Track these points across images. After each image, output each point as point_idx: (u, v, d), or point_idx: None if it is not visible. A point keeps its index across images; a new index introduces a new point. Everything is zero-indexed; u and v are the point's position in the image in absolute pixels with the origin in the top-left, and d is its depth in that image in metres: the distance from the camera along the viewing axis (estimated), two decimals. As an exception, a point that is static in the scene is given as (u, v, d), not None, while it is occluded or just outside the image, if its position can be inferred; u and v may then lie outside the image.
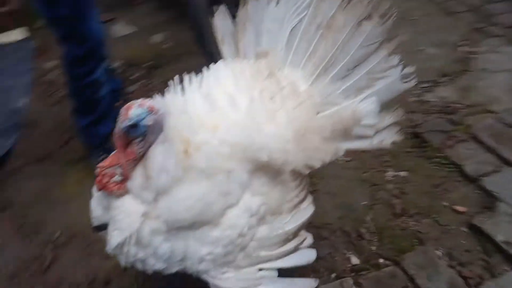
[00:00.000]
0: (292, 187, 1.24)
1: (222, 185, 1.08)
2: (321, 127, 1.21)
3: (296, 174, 1.24)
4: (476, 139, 2.00)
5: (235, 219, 1.12)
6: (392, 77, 1.27)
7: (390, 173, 1.95)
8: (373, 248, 1.66)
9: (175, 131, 1.06)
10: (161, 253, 1.10)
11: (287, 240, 1.22)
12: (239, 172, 1.10)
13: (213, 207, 1.09)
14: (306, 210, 1.28)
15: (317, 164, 1.21)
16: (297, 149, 1.16)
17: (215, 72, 1.22)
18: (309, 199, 1.31)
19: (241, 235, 1.13)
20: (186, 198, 1.06)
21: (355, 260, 1.63)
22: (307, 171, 1.23)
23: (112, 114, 2.04)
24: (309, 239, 1.29)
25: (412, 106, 2.29)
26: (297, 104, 1.20)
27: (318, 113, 1.24)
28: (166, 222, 1.07)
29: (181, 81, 1.17)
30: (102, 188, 1.10)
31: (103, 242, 1.15)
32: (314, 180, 1.93)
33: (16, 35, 3.27)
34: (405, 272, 1.55)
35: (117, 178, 1.09)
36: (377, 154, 2.03)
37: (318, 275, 1.58)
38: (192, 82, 1.18)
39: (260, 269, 1.20)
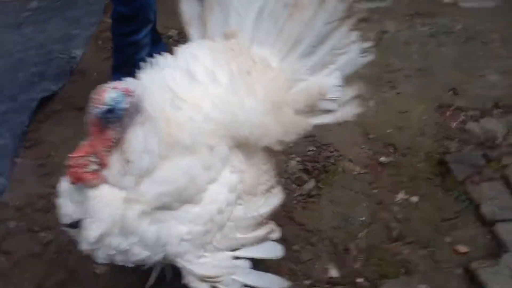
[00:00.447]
0: (264, 170, 1.30)
1: (205, 159, 1.12)
2: (294, 100, 1.28)
3: (266, 158, 1.30)
4: (505, 181, 1.85)
5: (215, 194, 1.16)
6: (353, 52, 1.35)
7: (400, 195, 1.87)
8: (356, 266, 1.63)
9: (156, 109, 1.08)
10: (148, 238, 1.09)
11: (260, 224, 1.27)
12: (221, 147, 1.15)
13: (197, 181, 1.12)
14: (277, 196, 1.33)
15: (291, 138, 1.29)
16: (275, 122, 1.22)
17: (190, 49, 1.26)
18: (279, 187, 1.35)
19: (220, 211, 1.17)
20: (170, 173, 1.09)
21: (334, 272, 1.62)
22: (279, 147, 1.29)
23: None
24: (277, 232, 1.31)
25: (451, 132, 2.15)
26: (271, 79, 1.24)
27: (290, 88, 1.29)
28: (151, 202, 1.07)
29: (156, 59, 1.20)
30: (77, 179, 1.05)
31: (74, 241, 1.15)
32: (320, 185, 1.92)
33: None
34: (380, 297, 1.51)
35: (92, 167, 1.05)
36: (395, 173, 1.96)
37: (294, 278, 1.58)
38: (167, 58, 1.21)
39: (236, 258, 1.22)
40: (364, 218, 1.78)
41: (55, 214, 1.39)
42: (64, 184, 1.11)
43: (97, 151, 1.04)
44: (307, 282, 1.58)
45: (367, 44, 1.37)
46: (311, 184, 1.93)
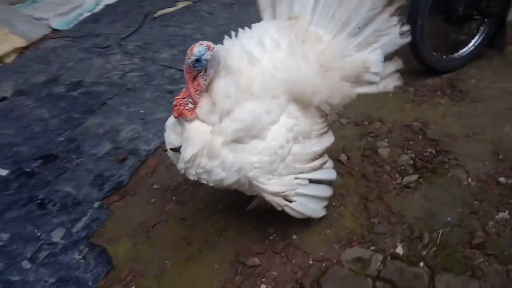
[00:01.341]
0: (318, 122, 1.62)
1: (267, 105, 1.49)
2: (340, 68, 1.57)
3: (321, 112, 1.60)
4: None
5: (276, 133, 1.51)
6: (393, 34, 1.63)
7: (502, 214, 1.81)
8: (424, 252, 1.71)
9: (236, 66, 1.46)
10: (227, 162, 1.45)
11: (314, 158, 1.65)
12: (280, 98, 1.51)
13: (261, 120, 1.47)
14: (329, 138, 1.71)
15: (336, 101, 1.60)
16: (322, 84, 1.54)
17: (261, 25, 1.60)
18: (330, 133, 1.73)
19: (281, 146, 1.52)
20: (242, 114, 1.45)
21: (400, 250, 1.74)
22: (327, 108, 1.59)
23: None
24: (330, 162, 1.74)
25: None
26: (322, 48, 1.57)
27: (337, 59, 1.58)
28: (228, 136, 1.44)
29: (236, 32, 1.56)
30: (179, 114, 1.44)
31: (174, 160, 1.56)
32: (421, 181, 2.02)
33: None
34: (432, 283, 1.59)
35: (189, 106, 1.44)
36: (506, 193, 1.90)
37: (361, 242, 1.80)
38: (244, 33, 1.56)
39: (296, 178, 1.62)
40: (450, 219, 1.81)
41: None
42: (169, 120, 1.56)
43: (192, 94, 1.43)
44: (372, 248, 1.77)
45: (405, 28, 1.64)
46: (412, 178, 2.04)
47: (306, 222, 1.85)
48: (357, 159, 2.21)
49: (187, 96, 1.45)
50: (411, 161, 2.14)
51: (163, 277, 1.77)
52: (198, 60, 1.38)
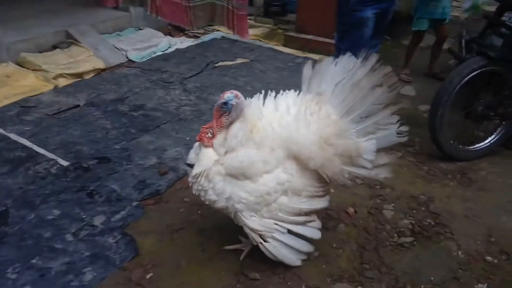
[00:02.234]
0: (314, 184, 1.83)
1: (265, 156, 1.72)
2: (336, 145, 1.75)
3: (321, 178, 1.83)
4: None
5: (267, 181, 1.74)
6: (390, 130, 1.80)
7: (481, 285, 2.03)
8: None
9: (250, 117, 1.74)
10: (217, 188, 1.73)
11: (299, 214, 1.85)
12: (278, 152, 1.73)
13: (255, 166, 1.71)
14: (321, 202, 1.90)
15: (328, 172, 1.78)
16: (318, 152, 1.74)
17: (287, 93, 1.87)
18: (326, 198, 1.93)
19: (268, 193, 1.74)
20: (241, 156, 1.70)
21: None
22: (324, 175, 1.80)
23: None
24: (318, 223, 1.94)
25: None
26: (327, 124, 1.77)
27: (338, 140, 1.76)
28: (226, 168, 1.72)
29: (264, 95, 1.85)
30: (200, 140, 1.77)
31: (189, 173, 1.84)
32: (415, 243, 2.27)
33: None
34: None
35: (209, 135, 1.76)
36: (490, 270, 2.11)
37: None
38: (271, 96, 1.85)
39: (276, 224, 1.83)
40: (433, 279, 2.04)
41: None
42: (196, 143, 1.86)
43: (213, 127, 1.76)
44: (359, 287, 2.01)
45: (404, 128, 1.82)
46: (408, 239, 2.30)
47: (308, 256, 2.12)
48: (363, 214, 2.50)
49: (210, 128, 1.78)
50: (410, 226, 2.40)
51: (177, 272, 2.07)
52: (225, 103, 1.69)
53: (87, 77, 4.17)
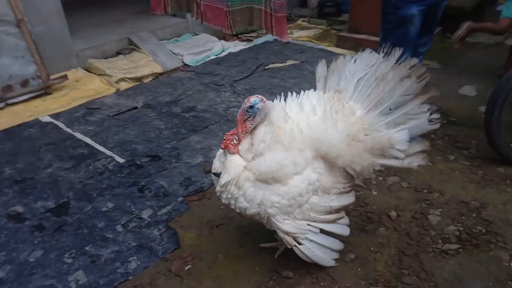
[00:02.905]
0: (341, 181, 1.84)
1: (294, 157, 1.70)
2: (364, 141, 1.75)
3: (347, 175, 1.83)
4: None
5: (299, 182, 1.73)
6: (422, 119, 1.78)
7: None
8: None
9: (275, 119, 1.70)
10: (248, 194, 1.70)
11: (330, 212, 1.86)
12: (307, 153, 1.72)
13: (285, 169, 1.69)
14: (349, 198, 1.91)
15: (357, 168, 1.76)
16: (346, 150, 1.74)
17: (308, 93, 1.87)
18: (353, 194, 1.93)
19: (300, 194, 1.73)
20: (269, 159, 1.68)
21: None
22: (352, 172, 1.79)
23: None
24: (346, 220, 1.95)
25: None
26: (352, 121, 1.76)
27: (366, 134, 1.75)
28: (255, 174, 1.69)
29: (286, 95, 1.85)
30: (225, 147, 1.73)
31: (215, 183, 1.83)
32: (461, 251, 2.15)
33: None
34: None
35: (234, 142, 1.73)
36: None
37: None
38: (292, 97, 1.85)
39: (308, 225, 1.84)
40: (477, 288, 1.93)
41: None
42: (219, 151, 1.84)
43: (238, 133, 1.73)
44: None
45: (435, 116, 1.79)
46: (453, 246, 2.18)
47: (343, 258, 2.11)
48: (407, 219, 2.41)
49: (234, 134, 1.74)
50: (457, 233, 2.27)
51: (214, 265, 2.16)
52: (251, 107, 1.67)
53: (146, 80, 4.46)
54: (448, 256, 2.13)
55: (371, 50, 1.87)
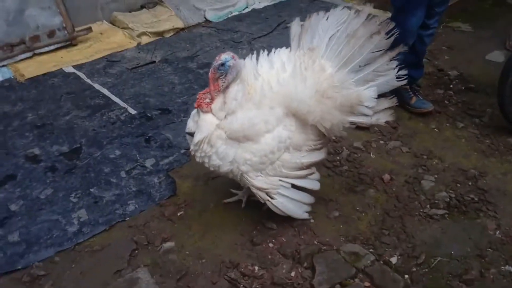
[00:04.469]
0: (312, 138, 1.88)
1: (265, 115, 1.74)
2: (334, 97, 1.77)
3: (318, 132, 1.86)
4: None
5: (270, 140, 1.77)
6: (390, 76, 1.81)
7: (509, 267, 1.87)
8: (413, 269, 1.90)
9: (247, 77, 1.74)
10: (220, 152, 1.76)
11: (301, 168, 1.91)
12: (277, 110, 1.75)
13: (256, 127, 1.73)
14: (319, 154, 1.94)
15: (327, 125, 1.79)
16: (316, 106, 1.76)
17: (279, 51, 1.86)
18: (324, 150, 1.96)
19: (271, 152, 1.79)
20: (241, 118, 1.72)
21: (393, 260, 1.95)
22: (322, 129, 1.82)
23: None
24: (317, 175, 2.00)
25: None
26: (322, 78, 1.77)
27: (336, 91, 1.77)
28: (227, 132, 1.73)
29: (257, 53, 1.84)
30: (198, 106, 1.76)
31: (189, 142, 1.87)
32: (447, 217, 2.15)
33: None
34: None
35: (207, 100, 1.75)
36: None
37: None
38: (264, 54, 1.83)
39: (280, 180, 1.89)
40: (453, 253, 1.94)
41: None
42: (193, 111, 1.88)
43: (211, 91, 1.75)
44: (371, 250, 2.01)
45: (402, 72, 1.81)
46: (440, 212, 2.18)
47: (327, 214, 2.17)
48: (399, 183, 2.41)
49: (207, 93, 1.77)
50: (448, 199, 2.26)
51: (204, 212, 2.29)
52: (222, 65, 1.68)
53: (167, 35, 4.51)
54: (433, 221, 2.14)
55: (343, 6, 1.86)
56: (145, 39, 4.39)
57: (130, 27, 4.47)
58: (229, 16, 4.91)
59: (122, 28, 4.54)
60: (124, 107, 3.29)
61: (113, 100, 3.41)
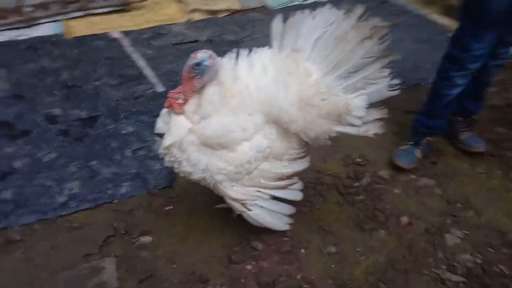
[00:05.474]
0: (294, 147, 1.71)
1: (242, 122, 1.58)
2: (319, 106, 1.61)
3: (301, 140, 1.70)
4: None
5: (247, 149, 1.61)
6: (382, 85, 1.66)
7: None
8: None
9: (225, 79, 1.57)
10: (191, 159, 1.59)
11: (281, 178, 1.74)
12: (256, 117, 1.59)
13: (232, 135, 1.57)
14: (302, 164, 1.78)
15: (311, 134, 1.65)
16: (298, 114, 1.60)
17: (261, 52, 1.68)
18: (307, 159, 1.79)
19: (248, 162, 1.62)
20: (215, 124, 1.56)
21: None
22: (306, 138, 1.67)
23: (446, 115, 2.40)
24: (299, 185, 1.83)
25: None
26: (307, 84, 1.61)
27: (322, 99, 1.61)
28: (200, 138, 1.57)
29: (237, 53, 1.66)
30: (169, 106, 1.57)
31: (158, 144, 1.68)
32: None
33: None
34: None
35: (180, 101, 1.57)
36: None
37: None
38: (244, 54, 1.66)
39: (258, 191, 1.72)
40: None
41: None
42: (163, 110, 1.69)
43: (185, 92, 1.57)
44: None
45: (396, 81, 1.67)
46: (456, 278, 1.83)
47: (322, 248, 1.92)
48: (418, 230, 2.07)
49: (180, 93, 1.59)
50: (471, 264, 1.89)
51: (192, 213, 2.14)
52: (198, 64, 1.52)
53: (220, 15, 4.35)
54: (443, 287, 1.79)
55: (331, 5, 1.69)
56: (196, 16, 4.26)
57: (184, 1, 4.36)
58: (289, 4, 4.63)
59: (178, 2, 4.44)
60: (153, 83, 3.19)
61: (145, 74, 3.32)
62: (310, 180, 2.32)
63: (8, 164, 2.38)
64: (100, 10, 4.12)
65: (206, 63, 1.53)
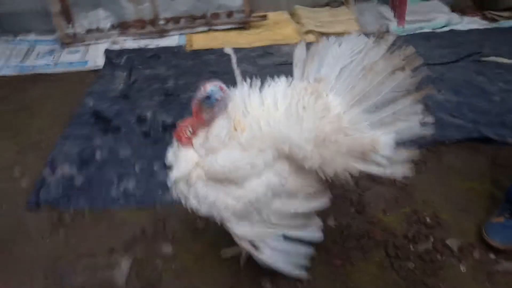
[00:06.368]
0: (311, 184, 1.54)
1: (251, 158, 1.46)
2: (338, 142, 1.45)
3: (319, 177, 1.52)
4: None
5: (256, 187, 1.48)
6: (413, 122, 1.47)
7: None
8: None
9: (234, 112, 1.48)
10: (199, 194, 1.51)
11: (296, 217, 1.57)
12: (267, 153, 1.47)
13: (239, 171, 1.46)
14: (319, 202, 1.59)
15: (329, 172, 1.48)
16: (315, 152, 1.45)
17: (275, 83, 1.58)
18: (326, 196, 1.60)
19: (257, 200, 1.49)
20: (223, 159, 1.46)
21: None
22: (323, 176, 1.49)
23: None
24: (318, 222, 1.65)
25: None
26: (326, 120, 1.46)
27: (345, 134, 1.45)
28: (207, 172, 1.49)
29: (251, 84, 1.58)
30: (177, 138, 1.54)
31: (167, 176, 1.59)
32: None
33: None
34: None
35: (188, 133, 1.52)
36: None
37: None
38: (256, 85, 1.57)
39: (269, 230, 1.55)
40: None
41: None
42: (174, 141, 1.61)
43: (193, 124, 1.52)
44: None
45: (430, 119, 1.44)
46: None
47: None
48: None
49: (189, 125, 1.55)
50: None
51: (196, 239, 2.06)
52: (208, 98, 1.46)
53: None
54: None
55: (360, 33, 1.61)
56: (309, 38, 4.19)
57: (301, 22, 4.35)
58: (417, 31, 4.17)
59: (296, 22, 4.46)
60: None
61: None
62: (357, 231, 2.01)
63: (91, 154, 2.72)
64: (221, 27, 4.41)
65: (216, 96, 1.48)
